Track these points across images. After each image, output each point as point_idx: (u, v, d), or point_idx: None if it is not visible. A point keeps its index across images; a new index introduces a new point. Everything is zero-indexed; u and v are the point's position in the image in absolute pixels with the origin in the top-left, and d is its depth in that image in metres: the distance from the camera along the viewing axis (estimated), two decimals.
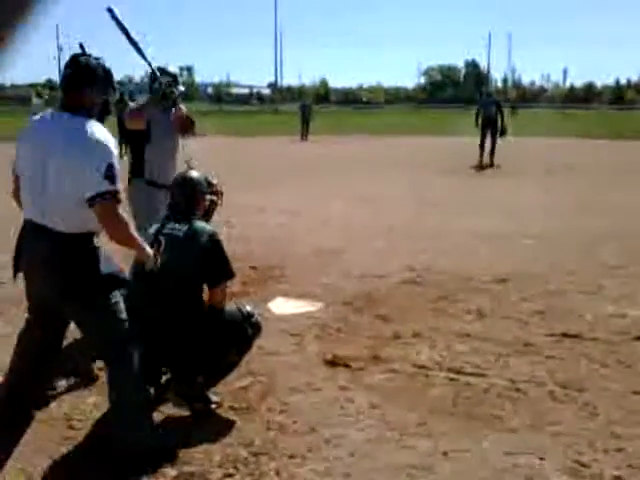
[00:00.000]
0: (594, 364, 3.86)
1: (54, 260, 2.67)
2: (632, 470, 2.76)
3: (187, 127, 4.31)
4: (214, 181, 3.59)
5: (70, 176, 2.60)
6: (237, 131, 27.43)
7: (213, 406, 3.27)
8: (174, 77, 4.22)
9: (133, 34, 3.67)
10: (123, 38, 3.70)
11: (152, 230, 3.29)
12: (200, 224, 3.25)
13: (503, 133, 14.96)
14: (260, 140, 24.22)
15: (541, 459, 2.84)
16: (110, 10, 3.60)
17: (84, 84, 2.71)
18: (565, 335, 4.29)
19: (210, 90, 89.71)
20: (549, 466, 2.79)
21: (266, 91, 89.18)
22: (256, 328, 3.27)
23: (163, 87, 4.02)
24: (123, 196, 2.81)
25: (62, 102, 2.74)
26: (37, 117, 2.82)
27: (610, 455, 2.88)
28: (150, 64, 4.00)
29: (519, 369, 3.77)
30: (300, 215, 8.74)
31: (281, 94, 76.89)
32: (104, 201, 2.61)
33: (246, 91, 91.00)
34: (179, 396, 3.27)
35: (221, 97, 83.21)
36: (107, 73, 2.79)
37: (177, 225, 3.21)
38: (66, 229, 2.67)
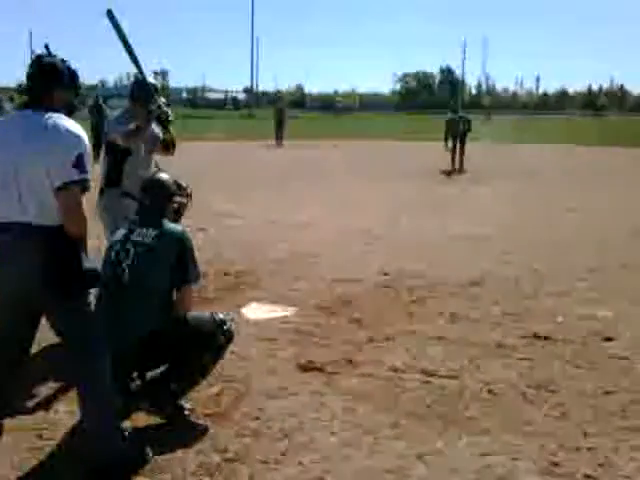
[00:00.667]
0: (566, 365, 3.90)
1: (35, 254, 2.61)
2: (603, 469, 2.80)
3: (170, 149, 4.50)
4: (184, 184, 3.59)
5: (42, 167, 2.54)
6: (212, 136, 27.29)
7: (186, 413, 3.23)
8: (155, 88, 4.26)
9: (130, 41, 3.68)
10: (119, 44, 3.72)
11: (119, 236, 3.26)
12: (170, 226, 3.23)
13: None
14: (235, 145, 24.13)
15: (514, 459, 2.86)
16: (110, 12, 3.60)
17: (49, 83, 2.67)
18: (537, 337, 4.33)
19: (185, 95, 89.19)
20: (522, 466, 2.81)
21: (242, 96, 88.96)
22: (228, 335, 3.24)
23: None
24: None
25: (26, 101, 2.70)
26: (1, 118, 2.78)
27: (582, 454, 2.91)
28: (142, 73, 4.03)
29: (492, 371, 3.80)
30: (274, 220, 8.72)
31: (257, 99, 76.80)
32: (69, 190, 2.55)
33: (221, 96, 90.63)
34: (152, 404, 3.23)
35: (196, 102, 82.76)
36: (72, 74, 2.75)
37: (146, 230, 3.17)
38: (44, 221, 2.60)
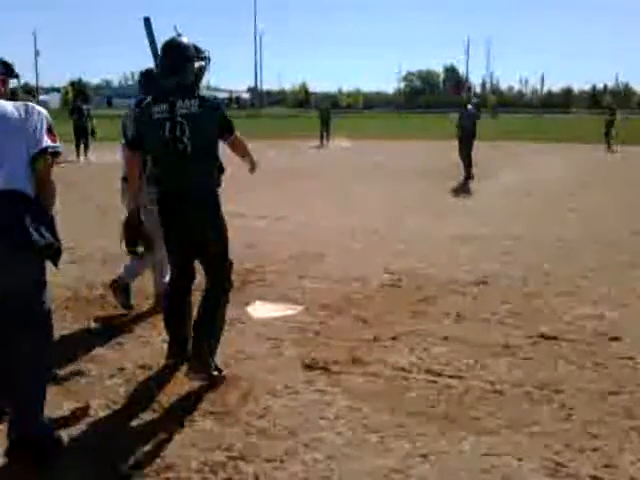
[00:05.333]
0: (571, 365, 3.89)
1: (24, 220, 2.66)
2: (608, 470, 2.79)
3: None
4: (201, 47, 3.64)
5: (20, 136, 2.69)
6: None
7: (224, 373, 3.61)
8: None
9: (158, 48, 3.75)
10: (148, 50, 3.88)
11: (162, 113, 3.41)
12: (204, 94, 3.53)
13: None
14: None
15: (519, 460, 2.85)
16: (147, 20, 3.82)
17: None
18: (543, 336, 4.32)
19: None
20: (527, 466, 2.81)
21: (246, 95, 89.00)
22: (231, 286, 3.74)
23: None
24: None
25: None
26: None
27: (586, 455, 2.90)
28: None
29: (497, 371, 3.79)
30: (279, 219, 8.73)
31: (261, 98, 76.80)
32: (43, 155, 2.73)
33: (226, 95, 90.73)
34: (196, 370, 3.50)
35: None
36: (7, 66, 2.96)
37: (188, 102, 3.40)
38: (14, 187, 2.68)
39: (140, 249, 3.73)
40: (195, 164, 3.44)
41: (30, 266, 2.72)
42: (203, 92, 3.56)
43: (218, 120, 3.52)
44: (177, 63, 3.45)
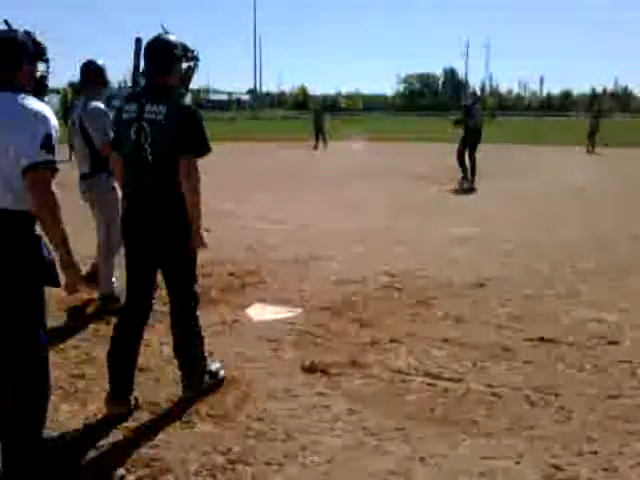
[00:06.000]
0: (570, 368, 3.89)
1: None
2: (606, 473, 2.80)
3: None
4: (190, 46, 3.39)
5: (9, 147, 2.42)
6: (216, 137, 27.32)
7: (221, 374, 3.59)
8: None
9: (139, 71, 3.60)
10: (131, 67, 3.71)
11: (132, 113, 3.17)
12: (178, 100, 3.17)
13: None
14: (241, 146, 24.16)
15: (517, 463, 2.86)
16: (138, 41, 3.56)
17: (12, 58, 2.53)
18: (542, 340, 4.32)
19: (190, 96, 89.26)
20: (525, 470, 2.81)
21: (245, 97, 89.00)
22: (197, 299, 3.46)
23: None
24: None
25: None
26: None
27: (585, 458, 2.91)
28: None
29: (496, 374, 3.79)
30: (279, 222, 8.73)
31: (260, 100, 76.93)
32: (37, 170, 2.43)
33: (225, 97, 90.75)
34: (189, 379, 3.45)
35: (201, 103, 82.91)
36: (38, 46, 2.63)
37: (157, 107, 3.10)
38: (16, 206, 2.48)
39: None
40: (157, 172, 3.15)
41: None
42: (186, 97, 3.31)
43: (181, 131, 3.09)
44: (163, 63, 3.19)
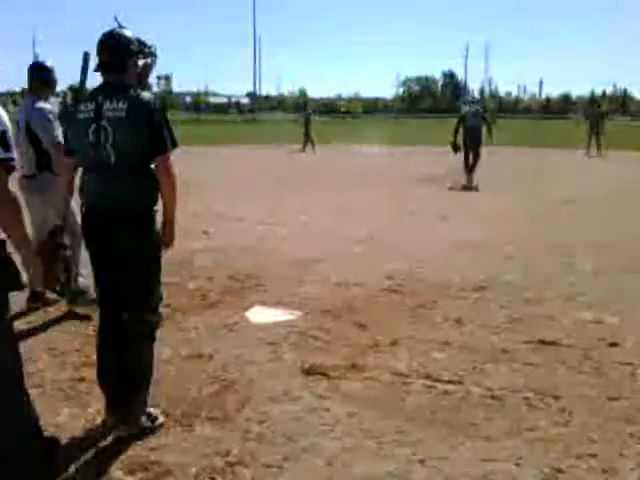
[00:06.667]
0: (570, 371, 3.89)
1: None
2: (607, 475, 2.79)
3: None
4: (148, 42, 3.21)
5: None
6: (215, 140, 27.36)
7: (160, 420, 3.16)
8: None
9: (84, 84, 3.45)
10: (78, 79, 3.50)
11: (88, 112, 2.94)
12: (137, 94, 2.95)
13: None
14: (239, 149, 24.18)
15: (518, 465, 2.85)
16: (86, 55, 3.33)
17: None
18: (542, 342, 4.32)
19: (189, 99, 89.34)
20: (525, 472, 2.80)
21: (245, 100, 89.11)
22: (159, 322, 3.18)
23: None
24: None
25: None
26: None
27: (586, 461, 2.90)
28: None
29: (496, 376, 3.79)
30: (278, 225, 8.72)
31: (259, 103, 77.01)
32: None
33: (224, 100, 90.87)
34: (123, 423, 3.09)
35: (199, 106, 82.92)
36: None
37: (116, 104, 2.89)
38: None
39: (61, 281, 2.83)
40: (120, 177, 2.94)
41: None
42: (145, 92, 3.00)
43: (147, 127, 2.90)
44: (116, 58, 2.98)
